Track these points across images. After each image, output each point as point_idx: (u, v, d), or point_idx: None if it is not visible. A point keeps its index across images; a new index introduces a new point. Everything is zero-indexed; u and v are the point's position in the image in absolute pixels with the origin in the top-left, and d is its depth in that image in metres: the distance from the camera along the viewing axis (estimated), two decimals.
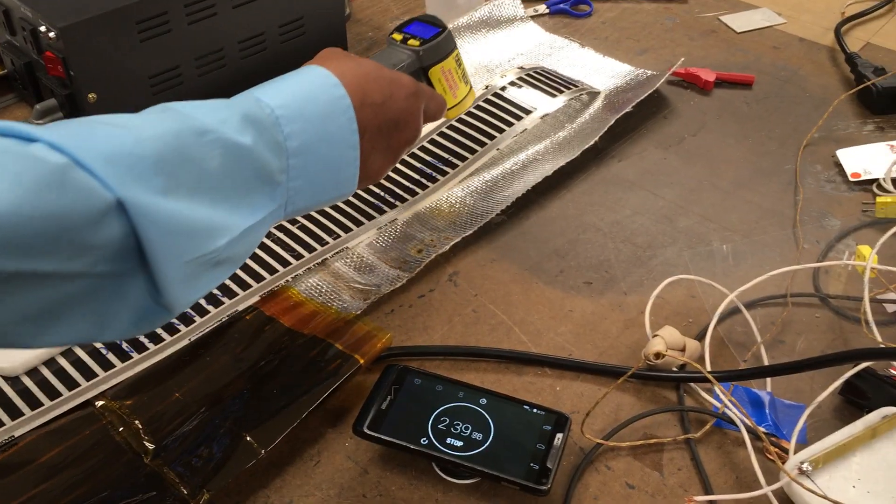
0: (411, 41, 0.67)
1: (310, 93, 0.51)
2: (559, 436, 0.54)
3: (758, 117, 0.87)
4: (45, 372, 0.58)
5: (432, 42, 0.67)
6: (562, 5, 1.06)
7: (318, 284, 0.67)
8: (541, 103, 0.84)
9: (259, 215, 0.47)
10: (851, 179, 0.78)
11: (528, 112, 0.83)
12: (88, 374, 0.59)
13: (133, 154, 0.40)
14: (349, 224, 0.72)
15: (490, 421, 0.54)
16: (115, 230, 0.39)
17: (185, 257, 0.42)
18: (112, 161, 0.39)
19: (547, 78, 0.88)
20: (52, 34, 0.71)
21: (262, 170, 0.46)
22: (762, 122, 0.87)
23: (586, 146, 0.79)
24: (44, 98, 0.79)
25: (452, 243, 0.71)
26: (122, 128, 0.41)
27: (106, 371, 0.59)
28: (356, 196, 0.75)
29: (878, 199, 0.73)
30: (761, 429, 0.55)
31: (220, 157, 0.44)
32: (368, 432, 0.53)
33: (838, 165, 0.80)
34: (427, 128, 0.81)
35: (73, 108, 0.76)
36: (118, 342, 0.60)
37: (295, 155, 0.49)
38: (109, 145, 0.39)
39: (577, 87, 0.87)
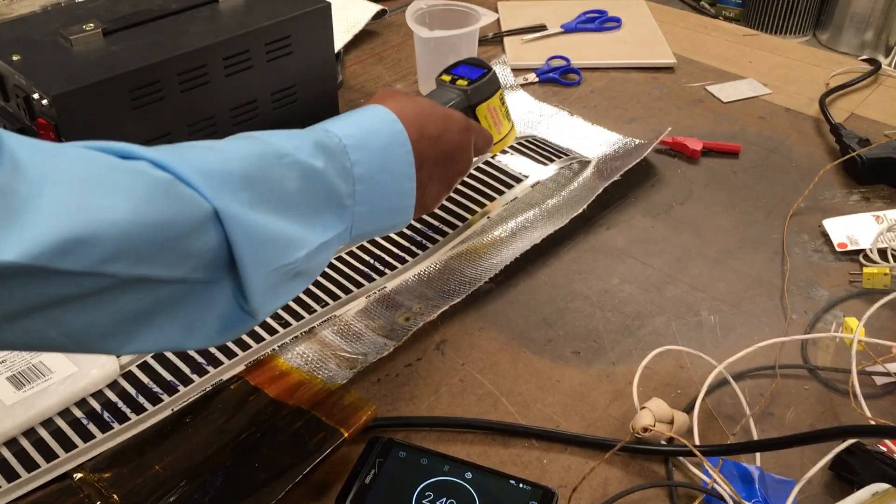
0: (459, 81, 0.73)
1: (371, 126, 0.56)
2: None
3: (745, 186, 0.88)
4: (24, 442, 0.57)
5: (479, 82, 0.73)
6: (551, 74, 1.07)
7: (305, 353, 0.67)
8: (532, 171, 0.85)
9: (329, 234, 0.52)
10: (838, 249, 0.78)
11: (519, 180, 0.84)
12: (68, 445, 0.58)
13: (224, 171, 0.45)
14: (338, 292, 0.72)
15: (475, 496, 0.54)
16: (211, 239, 0.43)
17: (270, 266, 0.47)
18: (207, 176, 0.43)
19: (538, 146, 0.89)
20: (45, 101, 0.72)
21: (333, 192, 0.52)
22: (749, 191, 0.87)
23: (575, 214, 0.79)
24: None
25: (440, 311, 0.70)
26: (210, 150, 0.46)
27: (86, 442, 0.58)
28: (345, 263, 0.75)
29: (865, 270, 0.74)
30: None
31: (298, 179, 0.49)
32: None
33: (825, 235, 0.80)
34: None
35: None
36: (105, 416, 0.60)
37: (360, 181, 0.54)
38: (203, 163, 0.44)
39: (568, 155, 0.88)
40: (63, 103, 0.72)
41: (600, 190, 0.82)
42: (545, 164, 0.86)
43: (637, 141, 0.93)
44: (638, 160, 0.86)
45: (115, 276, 0.39)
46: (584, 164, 0.89)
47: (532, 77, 1.07)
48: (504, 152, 0.87)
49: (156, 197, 0.41)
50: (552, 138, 0.93)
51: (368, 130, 0.55)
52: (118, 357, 0.63)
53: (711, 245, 0.80)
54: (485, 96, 0.74)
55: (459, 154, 0.64)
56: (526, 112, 1.00)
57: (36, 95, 0.73)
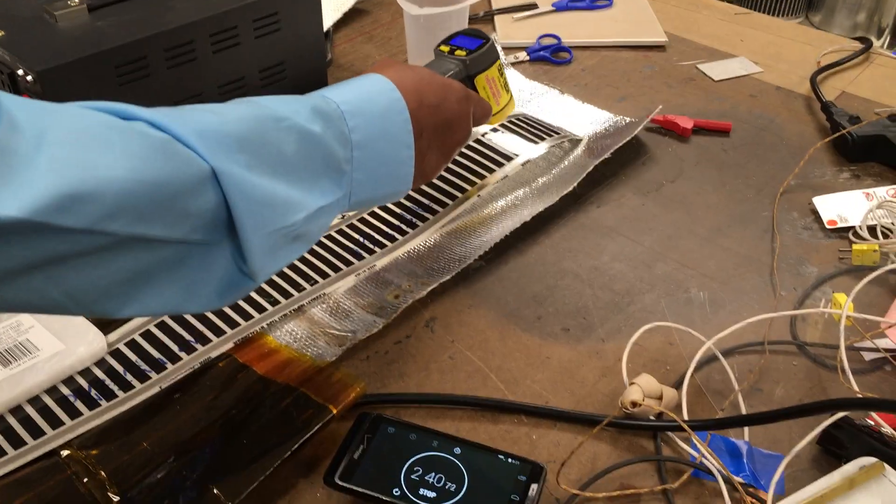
0: (458, 51, 0.73)
1: (369, 94, 0.56)
2: (534, 486, 0.53)
3: (735, 164, 0.88)
4: (11, 420, 0.57)
5: (477, 52, 0.73)
6: (542, 52, 1.07)
7: (294, 330, 0.67)
8: (523, 150, 0.84)
9: (328, 199, 0.52)
10: (828, 227, 0.78)
11: (509, 158, 0.83)
12: (55, 423, 0.57)
13: (221, 132, 0.45)
14: (327, 270, 0.72)
15: (464, 471, 0.54)
16: (210, 199, 0.43)
17: (269, 227, 0.47)
18: (204, 137, 0.44)
19: (529, 124, 0.88)
20: (29, 77, 0.71)
21: (331, 157, 0.52)
22: (739, 169, 0.87)
23: (565, 192, 0.79)
24: None
25: (430, 289, 0.70)
26: (209, 112, 0.46)
27: (73, 419, 0.58)
28: (334, 241, 0.74)
29: (855, 247, 0.74)
30: (738, 479, 0.55)
31: (296, 143, 0.49)
32: (340, 483, 0.52)
33: (815, 213, 0.80)
34: None
35: None
36: (92, 393, 0.59)
37: (358, 147, 0.54)
38: (200, 124, 0.44)
39: (559, 133, 0.88)
40: (48, 79, 0.71)
41: (591, 168, 0.81)
42: (536, 142, 0.85)
43: (628, 119, 0.92)
44: (629, 138, 0.86)
45: (115, 234, 0.39)
46: (575, 142, 0.88)
47: (523, 55, 1.07)
48: (495, 130, 0.86)
49: (153, 155, 0.41)
50: (543, 117, 0.92)
51: (366, 98, 0.55)
52: (108, 335, 0.63)
53: (701, 223, 0.80)
54: (483, 67, 0.73)
55: (458, 123, 0.64)
56: (517, 91, 0.99)
57: (20, 72, 0.72)
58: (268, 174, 0.47)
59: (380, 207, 0.78)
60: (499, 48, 1.03)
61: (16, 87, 0.74)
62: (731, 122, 0.93)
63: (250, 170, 0.45)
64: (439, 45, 0.74)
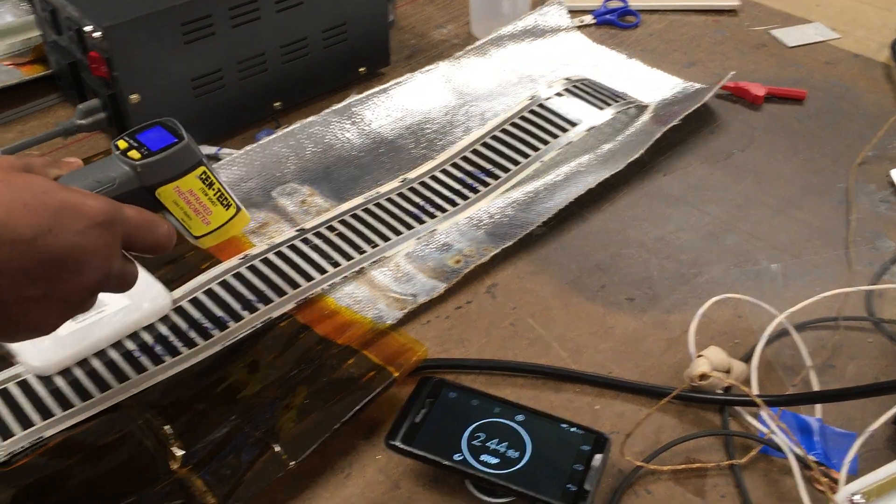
0: (132, 152, 0.52)
1: None
2: (598, 457, 0.52)
3: (809, 134, 0.85)
4: (78, 373, 0.58)
5: (159, 155, 0.53)
6: (608, 16, 1.04)
7: (354, 293, 0.66)
8: (587, 116, 0.82)
9: None
10: None
11: (573, 124, 0.81)
12: (121, 377, 0.58)
13: None
14: (388, 233, 0.71)
15: (527, 439, 0.53)
16: None
17: None
18: None
19: (594, 90, 0.86)
20: (97, 34, 0.71)
21: None
22: (813, 138, 0.84)
23: (631, 159, 0.77)
24: (87, 98, 0.80)
25: (492, 255, 0.69)
26: None
27: (138, 374, 0.58)
28: (395, 205, 0.74)
29: None
30: (811, 457, 0.53)
31: None
32: (401, 446, 0.52)
33: (893, 185, 0.77)
34: (469, 138, 0.80)
35: (116, 108, 0.76)
36: (157, 349, 0.60)
37: None
38: None
39: (624, 99, 0.85)
40: (115, 35, 0.71)
41: (658, 135, 0.79)
42: (601, 108, 0.83)
43: (697, 85, 0.90)
44: (698, 105, 0.83)
45: None
46: (642, 108, 0.86)
47: (589, 19, 1.04)
48: (559, 95, 0.84)
49: None
50: (608, 82, 0.90)
51: None
52: (172, 291, 0.63)
53: (772, 193, 0.77)
54: (167, 176, 0.53)
55: (81, 261, 0.45)
56: (581, 55, 0.97)
57: (88, 28, 0.72)
58: None
59: (441, 172, 0.77)
60: (562, 12, 1.00)
61: (83, 43, 0.75)
62: (806, 90, 0.90)
63: None
64: (118, 139, 0.54)
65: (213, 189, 0.56)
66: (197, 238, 0.57)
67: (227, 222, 0.58)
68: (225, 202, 0.57)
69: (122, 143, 0.53)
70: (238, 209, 0.58)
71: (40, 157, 0.52)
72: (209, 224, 0.57)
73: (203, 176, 0.55)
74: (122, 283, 0.50)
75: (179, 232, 0.55)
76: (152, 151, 0.53)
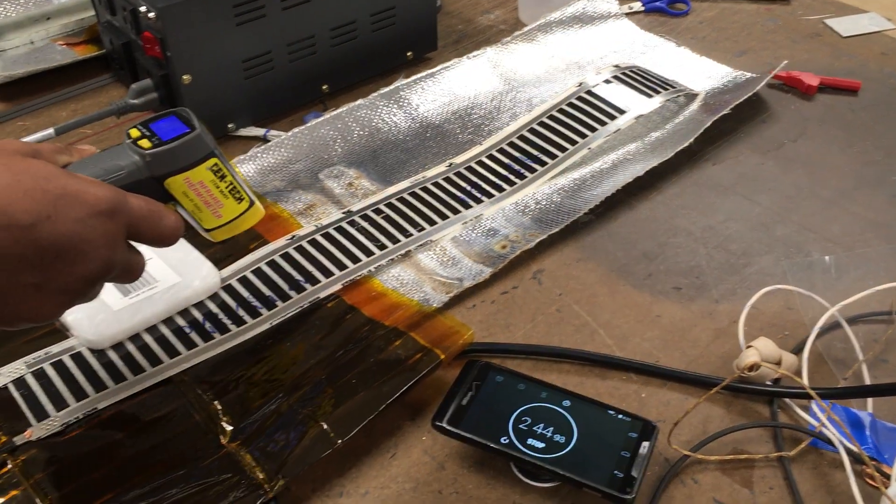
0: (143, 141, 0.52)
1: None
2: (645, 444, 0.51)
3: (863, 125, 0.83)
4: (130, 347, 0.59)
5: (170, 145, 0.52)
6: (658, 3, 1.03)
7: (400, 275, 0.66)
8: (636, 103, 0.81)
9: None
10: None
11: (622, 112, 0.81)
12: (172, 352, 0.59)
13: None
14: (434, 217, 0.71)
15: (573, 424, 0.53)
16: None
17: None
18: None
19: (643, 77, 0.85)
20: (151, 14, 0.72)
21: None
22: (868, 130, 0.82)
23: (680, 148, 0.76)
24: (139, 78, 0.81)
25: (538, 240, 0.69)
26: None
27: (188, 350, 0.59)
28: (442, 189, 0.74)
29: None
30: (864, 451, 0.52)
31: None
32: (447, 427, 0.52)
33: None
34: (516, 124, 0.80)
35: (168, 89, 0.77)
36: (206, 326, 0.61)
37: None
38: None
39: (674, 87, 0.84)
40: (169, 16, 0.72)
41: (708, 124, 0.78)
42: (650, 95, 0.82)
43: (748, 74, 0.88)
44: (749, 94, 0.82)
45: None
46: (691, 97, 0.85)
47: (638, 6, 1.03)
48: (608, 82, 0.84)
49: None
50: (657, 70, 0.89)
51: None
52: (221, 270, 0.64)
53: (825, 184, 0.76)
54: (177, 167, 0.52)
55: (80, 251, 0.44)
56: (629, 42, 0.96)
57: (143, 8, 0.73)
58: None
59: (489, 158, 0.77)
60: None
61: (137, 23, 0.76)
62: (860, 81, 0.88)
63: None
64: (132, 127, 0.53)
65: (226, 182, 0.55)
66: (208, 231, 0.56)
67: (239, 216, 0.56)
68: (237, 195, 0.56)
69: (134, 132, 0.52)
70: (251, 203, 0.57)
71: (52, 143, 0.51)
72: (220, 217, 0.55)
73: (215, 168, 0.54)
74: (127, 274, 0.49)
75: (190, 225, 0.55)
76: (163, 141, 0.52)
